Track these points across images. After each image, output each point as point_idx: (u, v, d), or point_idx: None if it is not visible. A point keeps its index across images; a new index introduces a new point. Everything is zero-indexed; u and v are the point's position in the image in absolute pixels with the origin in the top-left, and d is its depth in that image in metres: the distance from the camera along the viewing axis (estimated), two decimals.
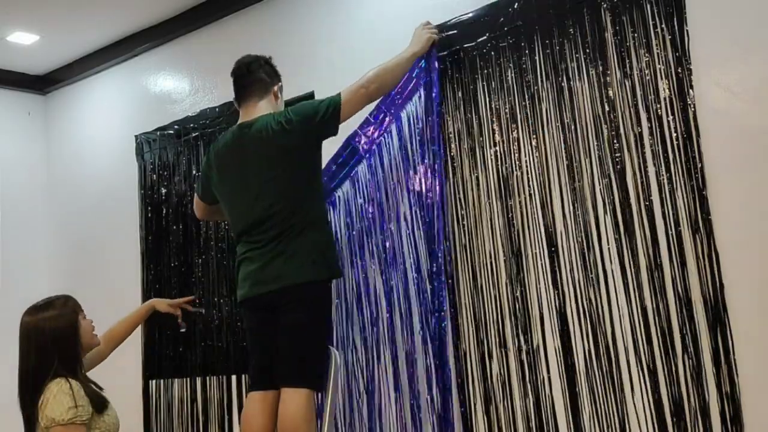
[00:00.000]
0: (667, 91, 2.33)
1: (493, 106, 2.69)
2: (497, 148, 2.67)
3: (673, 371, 2.26)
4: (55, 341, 2.32)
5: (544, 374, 2.50)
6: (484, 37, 2.72)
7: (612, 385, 2.37)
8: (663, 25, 2.35)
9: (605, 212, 2.43)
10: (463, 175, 2.74)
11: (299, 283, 2.45)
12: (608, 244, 2.41)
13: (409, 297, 2.79)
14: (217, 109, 3.58)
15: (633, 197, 2.37)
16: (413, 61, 2.71)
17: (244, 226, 2.57)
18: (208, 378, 3.45)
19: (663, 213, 2.32)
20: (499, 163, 2.66)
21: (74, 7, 3.63)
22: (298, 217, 2.49)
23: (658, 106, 2.34)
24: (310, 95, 3.15)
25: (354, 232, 2.95)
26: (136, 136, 3.96)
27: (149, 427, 3.66)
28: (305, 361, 2.46)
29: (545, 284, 2.53)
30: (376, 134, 2.89)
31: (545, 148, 2.56)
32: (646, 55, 2.38)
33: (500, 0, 2.69)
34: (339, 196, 2.99)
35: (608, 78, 2.45)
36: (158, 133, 3.84)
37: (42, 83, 4.50)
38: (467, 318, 2.69)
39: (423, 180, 2.74)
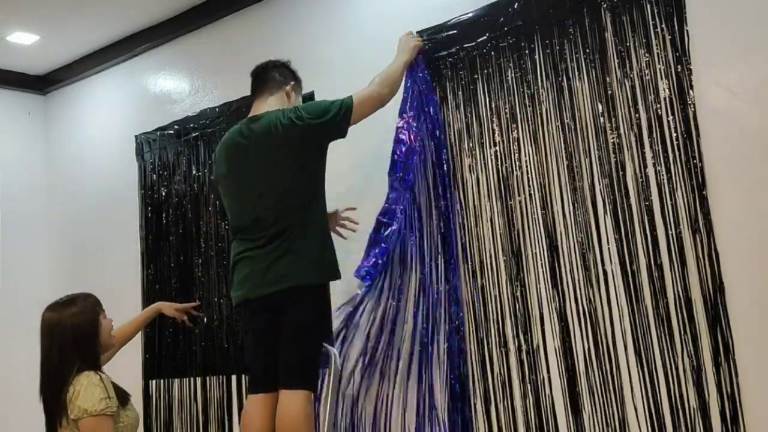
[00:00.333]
0: (667, 91, 2.33)
1: (493, 106, 2.69)
2: (497, 148, 2.67)
3: (673, 371, 2.26)
4: (76, 338, 2.33)
5: (544, 374, 2.50)
6: (484, 37, 2.72)
7: (612, 385, 2.37)
8: (663, 25, 2.35)
9: (605, 212, 2.43)
10: (463, 175, 2.74)
11: (302, 285, 2.45)
12: (608, 244, 2.41)
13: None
14: (217, 109, 3.58)
15: (633, 197, 2.38)
16: (406, 69, 2.74)
17: (244, 222, 2.56)
18: (208, 378, 3.45)
19: (663, 213, 2.32)
20: (499, 163, 2.66)
21: (74, 7, 3.63)
22: (301, 216, 2.48)
23: (658, 106, 2.34)
24: (310, 95, 3.15)
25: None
26: (136, 136, 3.96)
27: (149, 427, 3.66)
28: (304, 362, 2.46)
29: (545, 284, 2.53)
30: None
31: (545, 148, 2.56)
32: (646, 55, 2.38)
33: (500, 0, 2.70)
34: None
35: (608, 78, 2.45)
36: (158, 133, 3.84)
37: (42, 83, 4.50)
38: (467, 318, 2.69)
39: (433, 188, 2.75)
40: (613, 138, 2.42)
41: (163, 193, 3.77)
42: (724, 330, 2.19)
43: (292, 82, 2.71)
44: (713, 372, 2.20)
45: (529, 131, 2.60)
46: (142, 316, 3.15)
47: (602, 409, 2.38)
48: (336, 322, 2.72)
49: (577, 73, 2.52)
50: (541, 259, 2.54)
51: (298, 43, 3.31)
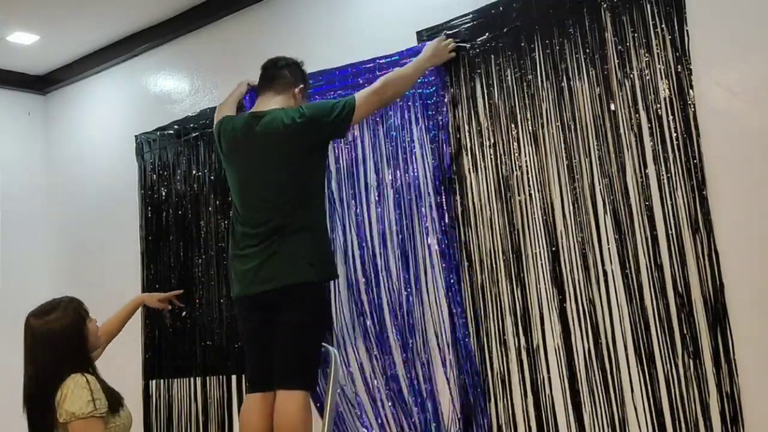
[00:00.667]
0: (667, 91, 2.33)
1: (493, 106, 2.69)
2: (497, 148, 2.67)
3: (673, 371, 2.26)
4: (65, 341, 2.32)
5: (544, 374, 2.50)
6: (484, 37, 2.72)
7: (612, 385, 2.37)
8: (663, 25, 2.35)
9: (605, 212, 2.43)
10: (464, 175, 2.74)
11: (297, 283, 2.44)
12: (608, 244, 2.41)
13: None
14: (217, 109, 3.58)
15: (633, 197, 2.37)
16: (425, 72, 2.72)
17: (243, 217, 2.56)
18: (208, 378, 3.45)
19: (663, 213, 2.32)
20: (499, 163, 2.66)
21: (74, 7, 3.62)
22: (298, 216, 2.49)
23: (658, 106, 2.34)
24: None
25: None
26: (136, 136, 3.96)
27: (149, 427, 3.66)
28: (301, 361, 2.45)
29: (545, 284, 2.52)
30: None
31: (545, 148, 2.56)
32: (646, 55, 2.37)
33: (500, 0, 2.69)
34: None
35: (608, 78, 2.45)
36: (158, 133, 3.84)
37: (42, 83, 4.50)
38: (468, 318, 2.68)
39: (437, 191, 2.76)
40: (613, 138, 2.42)
41: (163, 193, 3.77)
42: (724, 330, 2.19)
43: (302, 85, 2.70)
44: (713, 372, 2.20)
45: (529, 131, 2.60)
46: (125, 311, 3.13)
47: (602, 409, 2.38)
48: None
49: (577, 73, 2.51)
50: (541, 259, 2.54)
51: (298, 43, 3.31)
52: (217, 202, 3.50)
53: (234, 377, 3.37)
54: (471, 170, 2.72)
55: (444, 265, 2.73)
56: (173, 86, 3.86)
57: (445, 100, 2.78)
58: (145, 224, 3.83)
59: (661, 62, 2.35)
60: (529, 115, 2.61)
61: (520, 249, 2.59)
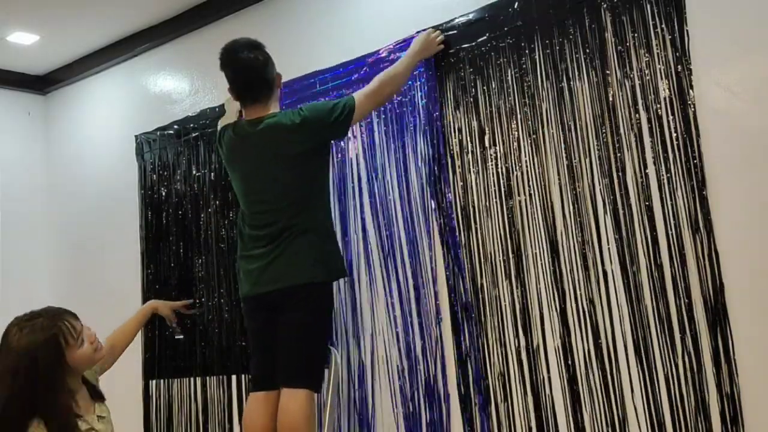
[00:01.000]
0: (667, 91, 2.33)
1: (493, 106, 2.69)
2: (497, 148, 2.67)
3: (673, 371, 2.26)
4: (29, 373, 1.91)
5: (544, 374, 2.50)
6: (484, 37, 2.72)
7: (612, 385, 2.37)
8: (663, 25, 2.35)
9: (605, 212, 2.43)
10: (464, 175, 2.74)
11: (301, 284, 2.45)
12: (608, 244, 2.41)
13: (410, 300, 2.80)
14: (217, 109, 3.58)
15: (633, 197, 2.37)
16: (416, 66, 2.73)
17: (250, 219, 2.57)
18: (208, 378, 3.45)
19: (663, 213, 2.31)
20: (499, 163, 2.66)
21: (74, 7, 3.62)
22: (302, 217, 2.49)
23: (658, 106, 2.34)
24: None
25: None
26: (136, 136, 3.96)
27: (149, 427, 3.66)
28: (305, 361, 2.47)
29: (545, 284, 2.52)
30: None
31: (545, 148, 2.56)
32: (646, 55, 2.37)
33: (500, 0, 2.69)
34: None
35: (608, 78, 2.45)
36: (158, 133, 3.84)
37: (42, 83, 4.50)
38: (468, 317, 2.68)
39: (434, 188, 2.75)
40: (613, 138, 2.42)
41: (163, 193, 3.77)
42: (724, 330, 2.19)
43: (277, 72, 2.64)
44: (713, 372, 2.20)
45: (529, 131, 2.60)
46: (136, 320, 2.90)
47: (602, 409, 2.38)
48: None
49: (577, 73, 2.51)
50: (541, 259, 2.54)
51: (297, 43, 3.31)
52: (217, 202, 3.50)
53: (234, 377, 3.37)
54: (471, 170, 2.72)
55: (444, 264, 2.73)
56: (173, 86, 3.86)
57: (445, 100, 2.78)
58: (145, 224, 3.83)
59: (661, 62, 2.35)
60: (529, 115, 2.61)
61: (520, 249, 2.59)
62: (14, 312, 2.24)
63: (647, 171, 2.35)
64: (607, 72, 2.45)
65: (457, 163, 2.75)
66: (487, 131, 2.70)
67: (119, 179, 4.02)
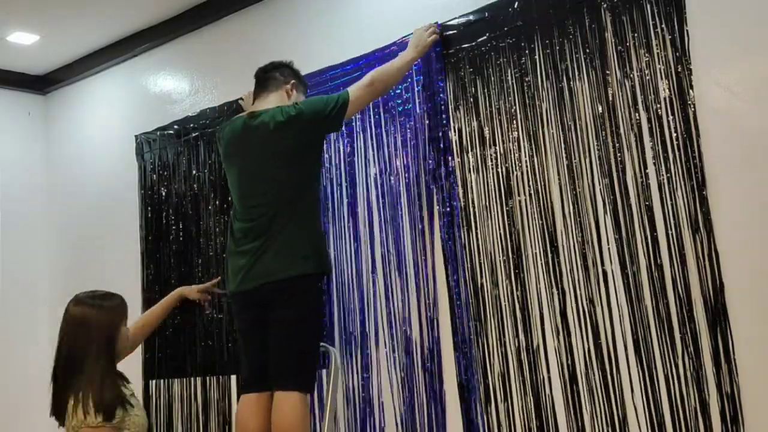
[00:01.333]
0: (667, 91, 2.33)
1: (493, 106, 2.69)
2: (497, 148, 2.67)
3: (673, 371, 2.26)
4: (98, 333, 2.32)
5: (544, 374, 2.50)
6: (484, 37, 2.72)
7: (612, 385, 2.37)
8: (663, 25, 2.35)
9: (605, 212, 2.43)
10: (464, 175, 2.74)
11: (289, 278, 2.43)
12: (608, 244, 2.41)
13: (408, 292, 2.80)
14: (217, 109, 3.58)
15: (633, 197, 2.37)
16: (413, 64, 2.74)
17: (241, 213, 2.57)
18: (208, 378, 3.45)
19: (663, 213, 2.31)
20: (499, 163, 2.66)
21: (74, 7, 3.62)
22: (293, 211, 2.49)
23: (658, 106, 2.34)
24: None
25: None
26: (136, 136, 3.96)
27: (149, 427, 3.65)
28: (296, 360, 2.43)
29: (545, 284, 2.52)
30: None
31: (545, 148, 2.56)
32: (646, 55, 2.37)
33: (500, 0, 2.69)
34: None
35: (608, 78, 2.45)
36: (158, 133, 3.84)
37: (42, 83, 4.50)
38: (467, 317, 2.68)
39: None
40: (613, 138, 2.42)
41: (163, 193, 3.77)
42: (724, 330, 2.19)
43: (293, 81, 2.72)
44: (713, 372, 2.20)
45: (529, 131, 2.60)
46: (162, 307, 3.01)
47: (602, 409, 2.38)
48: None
49: (577, 73, 2.51)
50: (541, 259, 2.54)
51: (297, 43, 3.31)
52: (217, 202, 3.50)
53: (234, 377, 3.37)
54: (471, 170, 2.72)
55: (444, 264, 2.73)
56: (173, 86, 3.86)
57: (445, 100, 2.78)
58: (145, 224, 3.83)
59: (661, 62, 2.35)
60: (529, 115, 2.61)
61: (520, 249, 2.59)
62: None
63: (647, 171, 2.35)
64: (607, 72, 2.45)
65: (457, 163, 2.75)
66: (487, 131, 2.70)
67: (119, 179, 4.02)
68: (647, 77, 2.37)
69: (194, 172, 3.63)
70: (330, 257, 2.66)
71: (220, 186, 3.48)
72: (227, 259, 2.64)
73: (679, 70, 2.31)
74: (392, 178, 2.90)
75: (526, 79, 2.62)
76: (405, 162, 2.86)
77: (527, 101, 2.61)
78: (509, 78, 2.66)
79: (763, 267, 2.16)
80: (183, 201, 3.67)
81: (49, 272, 4.40)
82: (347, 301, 2.97)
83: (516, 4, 2.65)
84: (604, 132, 2.44)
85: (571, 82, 2.52)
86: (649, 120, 2.36)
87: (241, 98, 3.09)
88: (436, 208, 2.77)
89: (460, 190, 2.74)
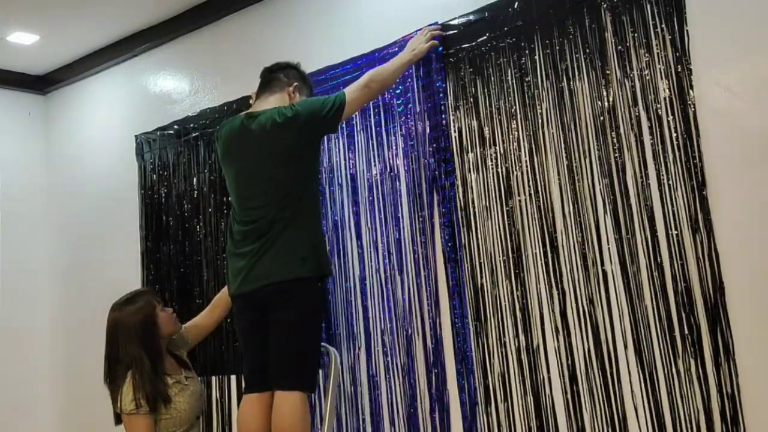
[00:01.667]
0: (667, 91, 2.33)
1: (493, 105, 2.69)
2: (497, 148, 2.67)
3: (673, 371, 2.26)
4: (138, 333, 2.65)
5: (544, 374, 2.50)
6: (484, 37, 2.72)
7: (612, 385, 2.37)
8: (663, 25, 2.35)
9: (605, 212, 2.43)
10: (464, 175, 2.74)
11: (289, 280, 2.43)
12: (608, 244, 2.41)
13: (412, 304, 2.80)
14: (217, 109, 3.58)
15: (633, 197, 2.37)
16: (411, 64, 2.75)
17: (239, 215, 2.57)
18: (208, 378, 3.45)
19: (663, 213, 2.32)
20: (499, 163, 2.66)
21: (74, 7, 3.62)
22: (292, 212, 2.48)
23: (658, 106, 2.34)
24: None
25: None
26: (136, 136, 3.96)
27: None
28: (297, 360, 2.43)
29: (545, 284, 2.52)
30: None
31: (545, 148, 2.56)
32: (646, 55, 2.38)
33: (500, 0, 2.70)
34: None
35: (608, 78, 2.45)
36: (158, 133, 3.84)
37: (42, 83, 4.50)
38: (467, 318, 2.68)
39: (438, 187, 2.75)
40: (613, 138, 2.42)
41: (163, 193, 3.77)
42: (724, 330, 2.19)
43: (296, 83, 2.71)
44: (713, 372, 2.20)
45: (529, 131, 2.60)
46: (218, 306, 3.05)
47: (602, 409, 2.38)
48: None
49: (577, 73, 2.52)
50: (540, 259, 2.54)
51: (297, 43, 3.31)
52: (217, 202, 3.50)
53: (234, 377, 3.37)
54: (471, 170, 2.72)
55: (444, 264, 2.73)
56: (173, 86, 3.86)
57: (445, 100, 2.78)
58: (145, 224, 3.83)
59: (661, 62, 2.35)
60: (529, 115, 2.61)
61: (520, 249, 2.59)
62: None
63: (647, 171, 2.35)
64: (607, 72, 2.45)
65: (457, 163, 2.75)
66: (487, 131, 2.70)
67: (119, 179, 4.02)
68: (647, 77, 2.37)
69: (194, 172, 3.63)
70: (330, 258, 2.66)
71: (220, 186, 3.49)
72: (227, 261, 2.64)
73: (679, 70, 2.31)
74: (392, 178, 2.90)
75: (526, 79, 2.62)
76: (405, 162, 2.87)
77: (527, 101, 2.61)
78: (509, 78, 2.66)
79: (763, 267, 2.16)
80: (183, 201, 3.67)
81: (49, 272, 4.40)
82: (348, 301, 2.97)
83: (516, 4, 2.65)
84: (604, 132, 2.44)
85: (571, 82, 2.52)
86: (649, 120, 2.36)
87: (250, 96, 3.09)
88: (436, 208, 2.77)
89: (460, 190, 2.74)
